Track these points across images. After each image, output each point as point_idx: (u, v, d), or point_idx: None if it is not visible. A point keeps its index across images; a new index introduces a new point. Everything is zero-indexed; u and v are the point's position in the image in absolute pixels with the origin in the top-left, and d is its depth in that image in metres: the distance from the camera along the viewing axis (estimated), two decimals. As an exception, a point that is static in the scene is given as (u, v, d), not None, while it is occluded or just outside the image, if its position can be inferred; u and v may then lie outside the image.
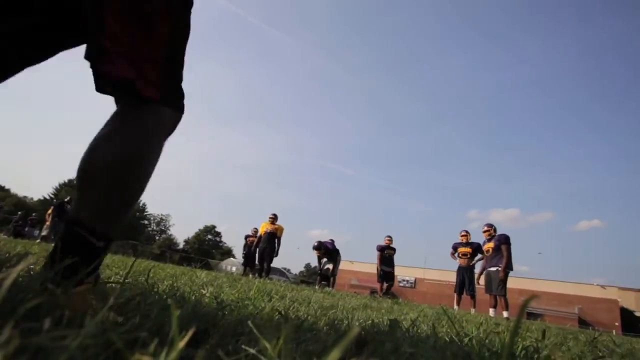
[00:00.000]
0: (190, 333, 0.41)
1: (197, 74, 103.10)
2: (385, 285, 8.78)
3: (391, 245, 9.04)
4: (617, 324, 32.00)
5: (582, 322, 31.12)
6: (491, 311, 6.45)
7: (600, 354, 1.83)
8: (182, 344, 0.37)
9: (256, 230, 10.36)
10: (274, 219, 8.99)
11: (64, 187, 43.09)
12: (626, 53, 76.40)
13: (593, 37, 79.01)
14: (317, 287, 7.27)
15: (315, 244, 8.64)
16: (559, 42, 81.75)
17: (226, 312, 1.12)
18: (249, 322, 0.65)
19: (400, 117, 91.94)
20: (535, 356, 1.24)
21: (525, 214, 71.97)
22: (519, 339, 1.64)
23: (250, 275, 8.85)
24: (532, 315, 29.67)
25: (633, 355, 1.92)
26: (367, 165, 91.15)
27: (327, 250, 8.52)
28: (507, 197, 73.11)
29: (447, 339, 1.30)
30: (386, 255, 8.95)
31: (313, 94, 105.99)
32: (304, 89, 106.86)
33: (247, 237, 10.50)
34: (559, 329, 5.00)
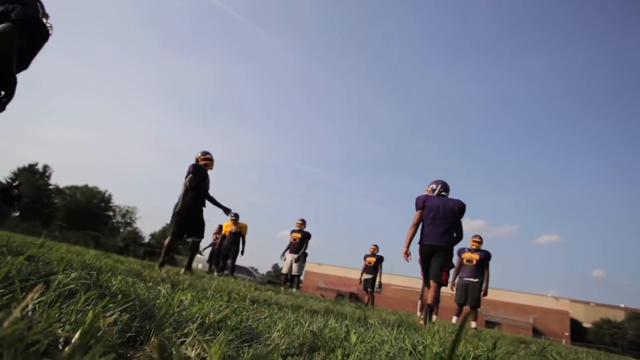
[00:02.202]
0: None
1: (174, 67, 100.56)
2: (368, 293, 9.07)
3: (375, 254, 9.34)
4: (566, 333, 33.85)
5: (536, 331, 32.70)
6: (454, 319, 6.61)
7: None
8: (98, 347, 0.34)
9: (220, 228, 10.39)
10: (235, 218, 9.03)
11: (23, 172, 40.53)
12: (601, 75, 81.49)
13: (569, 59, 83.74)
14: (282, 288, 7.21)
15: (299, 221, 8.45)
16: (535, 61, 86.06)
17: (177, 311, 1.07)
18: (190, 324, 0.62)
19: (378, 124, 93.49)
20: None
21: (491, 226, 74.94)
22: (472, 348, 1.68)
23: (215, 273, 8.73)
24: (490, 324, 30.87)
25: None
26: (340, 169, 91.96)
27: (305, 235, 8.32)
28: (475, 209, 75.83)
29: (402, 345, 1.31)
30: (366, 262, 9.24)
31: (292, 95, 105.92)
32: (283, 89, 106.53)
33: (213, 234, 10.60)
34: (514, 337, 5.22)
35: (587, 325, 40.60)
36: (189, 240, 4.86)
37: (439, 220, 4.19)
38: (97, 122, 79.14)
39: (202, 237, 4.88)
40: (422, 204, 4.31)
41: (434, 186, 4.50)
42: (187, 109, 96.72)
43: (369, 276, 9.16)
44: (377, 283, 9.16)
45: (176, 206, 4.74)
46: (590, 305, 43.73)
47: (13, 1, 2.40)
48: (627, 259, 68.65)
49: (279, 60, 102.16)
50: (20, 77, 2.39)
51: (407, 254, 4.28)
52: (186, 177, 4.79)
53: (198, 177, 4.86)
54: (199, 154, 5.10)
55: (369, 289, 9.05)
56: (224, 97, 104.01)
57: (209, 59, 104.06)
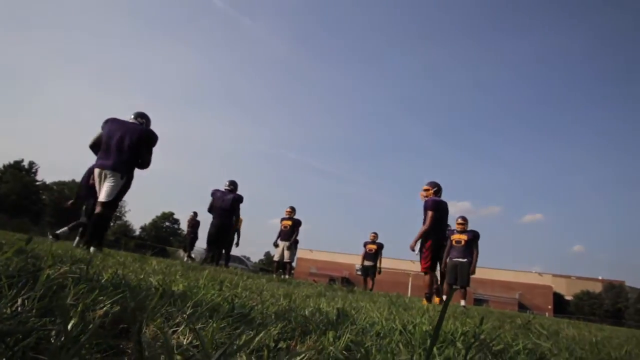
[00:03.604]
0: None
1: (162, 54, 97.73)
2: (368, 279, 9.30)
3: (375, 241, 9.49)
4: (549, 307, 35.18)
5: (521, 306, 33.90)
6: (444, 298, 6.79)
7: (531, 336, 2.00)
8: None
9: (195, 214, 10.78)
10: None
11: (9, 169, 39.27)
12: (582, 56, 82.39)
13: (552, 42, 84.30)
14: (274, 275, 7.27)
15: (289, 208, 8.37)
16: (521, 45, 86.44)
17: (170, 301, 1.07)
18: (180, 313, 0.63)
19: (363, 108, 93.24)
20: (473, 340, 1.32)
21: (476, 207, 76.46)
22: (460, 325, 1.74)
23: (186, 259, 9.03)
24: (479, 301, 31.82)
25: (557, 335, 2.10)
26: (328, 155, 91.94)
27: (295, 222, 8.33)
28: (461, 191, 77.13)
29: (393, 325, 1.35)
30: (367, 250, 9.40)
31: (275, 82, 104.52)
32: (265, 76, 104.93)
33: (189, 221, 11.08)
34: (500, 313, 5.40)
35: (568, 297, 42.29)
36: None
37: (444, 220, 5.29)
38: (78, 115, 76.89)
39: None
40: (437, 207, 5.14)
41: (436, 189, 5.30)
42: (168, 98, 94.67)
43: (369, 263, 9.36)
44: (377, 269, 9.38)
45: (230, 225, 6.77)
46: (571, 279, 45.41)
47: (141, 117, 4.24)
48: (605, 234, 71.37)
49: (262, 46, 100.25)
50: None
51: (413, 249, 5.16)
52: (239, 203, 6.77)
53: None
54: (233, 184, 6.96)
55: (369, 276, 9.26)
56: (206, 85, 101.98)
57: (190, 47, 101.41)
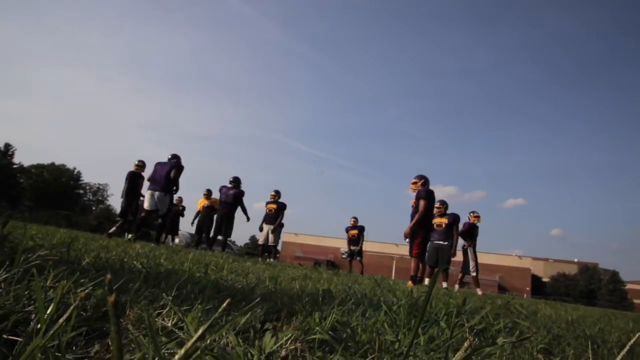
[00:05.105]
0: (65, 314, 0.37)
1: (150, 36, 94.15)
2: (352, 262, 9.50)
3: (356, 225, 9.68)
4: (528, 288, 36.54)
5: (501, 288, 35.10)
6: (426, 281, 6.96)
7: (511, 315, 2.07)
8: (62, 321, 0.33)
9: (180, 200, 10.71)
10: (208, 194, 9.20)
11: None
12: (566, 44, 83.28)
13: (534, 31, 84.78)
14: (259, 259, 7.29)
15: (273, 192, 8.40)
16: (505, 33, 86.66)
17: (154, 284, 1.06)
18: (164, 295, 0.62)
19: (351, 93, 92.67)
20: (456, 320, 1.36)
21: (462, 192, 78.06)
22: (443, 305, 1.78)
23: (172, 243, 9.06)
24: (461, 284, 32.73)
25: (536, 314, 2.18)
26: (313, 138, 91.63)
27: (280, 206, 8.30)
28: (447, 176, 78.49)
29: (379, 306, 1.37)
30: (350, 235, 9.58)
31: (266, 66, 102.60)
32: (257, 60, 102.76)
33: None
34: (482, 295, 5.59)
35: (545, 279, 44.02)
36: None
37: (433, 208, 5.70)
38: (55, 97, 74.03)
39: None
40: (430, 196, 5.42)
41: (424, 180, 5.54)
42: (152, 82, 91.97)
43: (355, 247, 9.59)
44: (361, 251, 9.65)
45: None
46: (549, 262, 47.17)
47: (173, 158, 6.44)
48: (582, 218, 74.12)
49: (250, 28, 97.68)
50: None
51: (407, 236, 5.37)
52: (240, 197, 7.72)
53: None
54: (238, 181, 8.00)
55: (357, 259, 9.51)
56: (192, 68, 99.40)
57: (174, 29, 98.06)
